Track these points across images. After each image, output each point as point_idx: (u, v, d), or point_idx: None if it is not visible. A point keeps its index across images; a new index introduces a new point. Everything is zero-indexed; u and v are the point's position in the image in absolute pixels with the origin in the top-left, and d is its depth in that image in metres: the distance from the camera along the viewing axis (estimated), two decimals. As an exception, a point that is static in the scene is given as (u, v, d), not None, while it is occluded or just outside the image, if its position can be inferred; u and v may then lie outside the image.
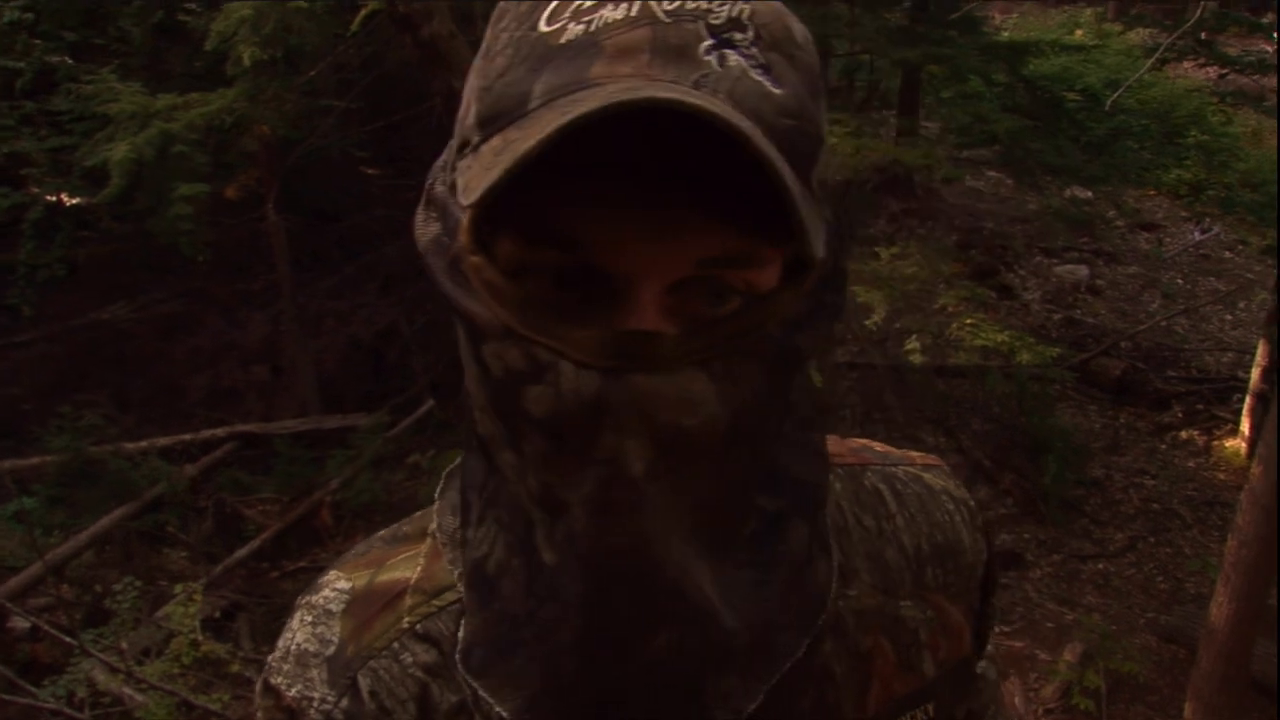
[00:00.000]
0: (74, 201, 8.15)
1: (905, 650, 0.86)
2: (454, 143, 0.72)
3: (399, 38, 4.98)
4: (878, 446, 0.95)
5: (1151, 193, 12.01)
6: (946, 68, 6.18)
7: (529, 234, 0.66)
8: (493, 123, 0.65)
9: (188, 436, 7.77)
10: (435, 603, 0.81)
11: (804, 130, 0.66)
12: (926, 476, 0.93)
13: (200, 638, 4.74)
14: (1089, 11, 17.35)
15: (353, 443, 7.21)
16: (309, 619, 0.83)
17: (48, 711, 4.64)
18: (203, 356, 8.97)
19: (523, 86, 0.64)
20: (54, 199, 7.96)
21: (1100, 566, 6.52)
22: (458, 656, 0.75)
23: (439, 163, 0.75)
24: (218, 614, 5.82)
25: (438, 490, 0.87)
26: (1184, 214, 11.75)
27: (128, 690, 4.82)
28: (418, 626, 0.80)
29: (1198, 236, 11.12)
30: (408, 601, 0.81)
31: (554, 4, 0.66)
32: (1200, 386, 8.35)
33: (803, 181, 0.65)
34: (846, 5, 6.52)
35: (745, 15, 0.66)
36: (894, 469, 0.92)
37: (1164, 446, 7.74)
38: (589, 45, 0.63)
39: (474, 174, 0.64)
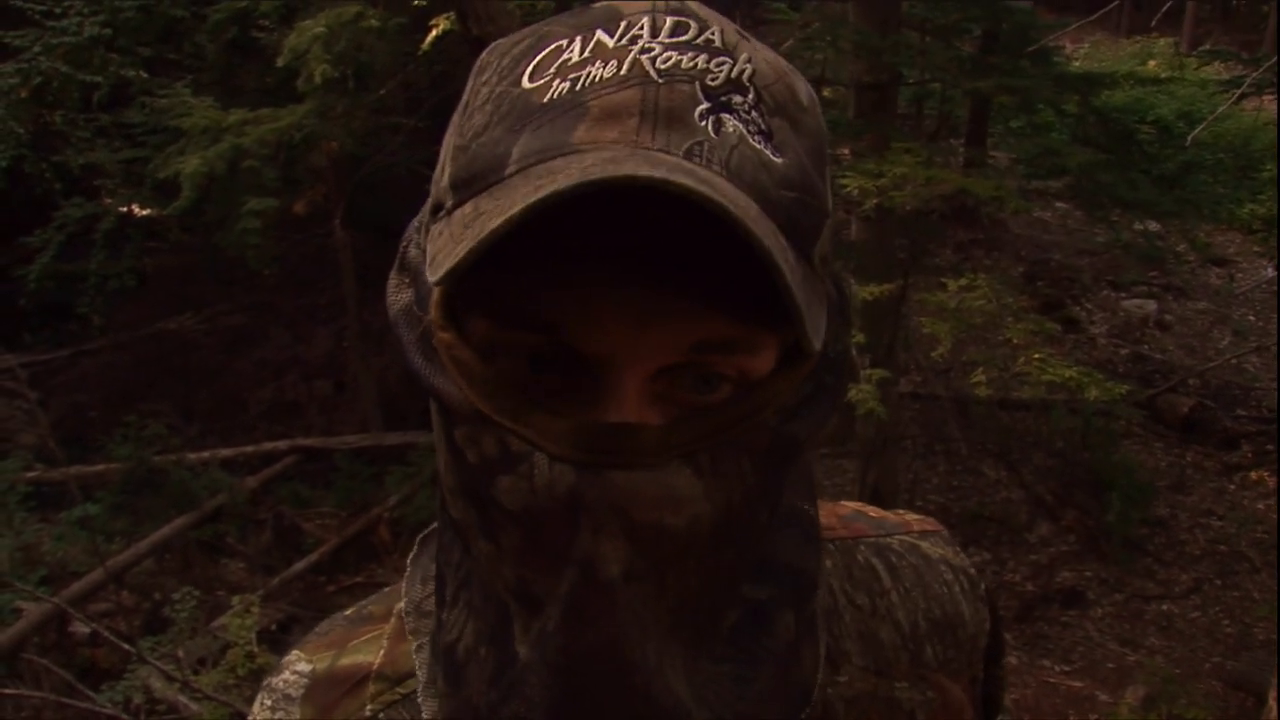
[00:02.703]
0: (145, 213, 8.29)
1: None
2: (429, 203, 0.67)
3: (469, 59, 5.01)
4: (871, 512, 0.90)
5: (1224, 228, 11.82)
6: (1017, 99, 6.10)
7: (501, 315, 0.61)
8: (467, 186, 0.60)
9: (249, 449, 7.87)
10: (399, 690, 0.77)
11: (806, 203, 0.61)
12: (923, 545, 0.88)
13: (256, 649, 4.76)
14: (1163, 42, 17.12)
15: (412, 460, 7.25)
16: (269, 703, 0.79)
17: (105, 716, 4.69)
18: (267, 369, 9.10)
19: (500, 148, 0.59)
20: (126, 210, 8.09)
21: (1164, 608, 6.39)
22: None
23: (414, 223, 0.71)
24: (274, 626, 5.86)
25: (410, 556, 0.84)
26: (1257, 250, 11.54)
27: (183, 699, 4.85)
28: (380, 716, 0.77)
29: (1271, 273, 10.91)
30: (370, 689, 0.78)
31: (539, 58, 0.61)
32: (1271, 426, 8.16)
33: (803, 259, 0.60)
34: (917, 34, 6.49)
35: (746, 76, 0.61)
36: (888, 539, 0.87)
37: (1232, 487, 7.59)
38: (573, 105, 0.58)
39: (442, 245, 0.60)
